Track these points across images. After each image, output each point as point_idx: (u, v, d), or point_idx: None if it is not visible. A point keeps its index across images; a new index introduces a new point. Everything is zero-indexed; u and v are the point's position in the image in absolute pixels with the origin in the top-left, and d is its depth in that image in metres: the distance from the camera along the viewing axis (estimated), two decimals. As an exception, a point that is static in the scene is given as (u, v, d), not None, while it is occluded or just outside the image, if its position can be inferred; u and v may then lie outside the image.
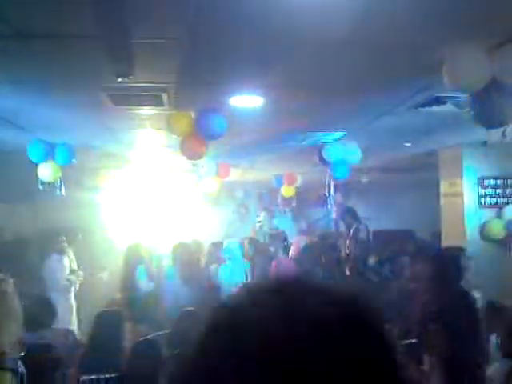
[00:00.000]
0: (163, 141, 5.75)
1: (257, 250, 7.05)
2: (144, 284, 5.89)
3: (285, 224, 10.13)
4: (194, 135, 4.38)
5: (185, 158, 4.66)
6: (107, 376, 3.57)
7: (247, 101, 4.26)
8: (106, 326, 3.92)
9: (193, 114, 4.39)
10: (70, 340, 4.20)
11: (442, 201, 6.57)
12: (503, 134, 3.17)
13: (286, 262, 6.65)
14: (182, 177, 8.41)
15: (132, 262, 6.02)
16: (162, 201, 9.59)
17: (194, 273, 5.98)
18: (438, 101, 4.27)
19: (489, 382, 3.19)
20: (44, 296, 5.05)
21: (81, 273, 6.88)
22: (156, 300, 5.78)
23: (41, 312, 4.00)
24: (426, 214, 8.29)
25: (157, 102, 4.02)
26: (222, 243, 7.10)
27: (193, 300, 5.17)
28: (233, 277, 6.18)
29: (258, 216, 10.78)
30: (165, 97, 3.96)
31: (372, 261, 6.85)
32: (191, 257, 6.16)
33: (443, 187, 6.55)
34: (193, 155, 4.58)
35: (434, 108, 4.48)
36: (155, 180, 8.87)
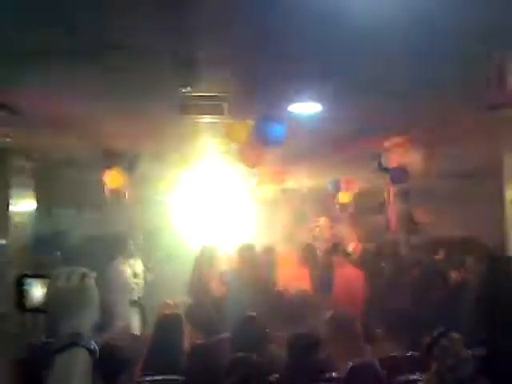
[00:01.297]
0: (223, 148, 5.86)
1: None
2: (214, 288, 5.92)
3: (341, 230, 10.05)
4: (252, 143, 4.44)
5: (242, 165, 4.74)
6: (168, 378, 3.66)
7: (306, 107, 4.29)
8: (167, 329, 4.03)
9: (251, 122, 4.45)
10: (132, 342, 4.34)
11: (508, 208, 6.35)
12: None
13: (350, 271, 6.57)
14: (240, 183, 8.53)
15: (205, 265, 6.04)
16: (223, 204, 9.72)
17: (258, 277, 5.97)
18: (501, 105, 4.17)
19: None
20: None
21: (146, 274, 7.05)
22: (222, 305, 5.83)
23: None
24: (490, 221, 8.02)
25: (218, 111, 4.12)
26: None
27: (255, 306, 5.18)
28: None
29: (316, 222, 10.74)
30: (225, 106, 4.06)
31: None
32: (256, 260, 6.13)
33: (508, 194, 6.32)
34: (250, 163, 4.66)
35: (498, 112, 4.38)
36: (216, 184, 8.99)
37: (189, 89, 3.19)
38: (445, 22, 2.56)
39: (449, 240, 8.56)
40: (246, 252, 6.05)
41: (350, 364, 3.27)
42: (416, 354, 4.23)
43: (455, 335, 2.99)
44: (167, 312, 4.69)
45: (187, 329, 4.60)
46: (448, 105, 4.36)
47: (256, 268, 5.96)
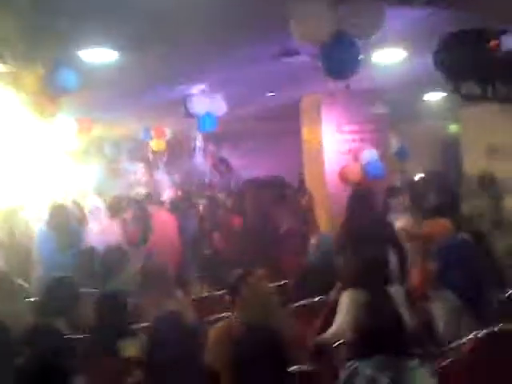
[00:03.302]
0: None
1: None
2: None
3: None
4: (44, 92, 4.09)
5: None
6: None
7: (101, 54, 4.04)
8: None
9: (41, 71, 4.07)
10: None
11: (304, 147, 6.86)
12: (347, 85, 3.33)
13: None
14: (41, 132, 7.84)
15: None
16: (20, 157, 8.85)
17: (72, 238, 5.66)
18: (294, 52, 4.38)
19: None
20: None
21: None
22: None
23: None
24: (293, 160, 8.61)
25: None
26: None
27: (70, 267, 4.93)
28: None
29: (132, 171, 10.53)
30: (7, 53, 3.63)
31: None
32: (69, 220, 5.78)
33: (304, 134, 6.81)
34: (44, 113, 4.29)
35: (292, 59, 4.60)
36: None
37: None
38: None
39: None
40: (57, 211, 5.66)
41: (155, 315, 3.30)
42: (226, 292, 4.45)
43: (261, 272, 3.13)
44: None
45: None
46: (244, 52, 4.46)
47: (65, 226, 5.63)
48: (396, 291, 3.26)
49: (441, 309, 3.03)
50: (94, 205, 6.11)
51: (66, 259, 5.19)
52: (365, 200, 4.40)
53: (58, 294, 3.62)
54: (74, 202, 6.71)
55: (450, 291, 3.00)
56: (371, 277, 3.17)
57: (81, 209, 6.64)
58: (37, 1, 2.90)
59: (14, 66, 4.00)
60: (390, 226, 4.33)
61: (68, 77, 4.03)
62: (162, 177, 10.53)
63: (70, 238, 5.46)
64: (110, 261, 4.95)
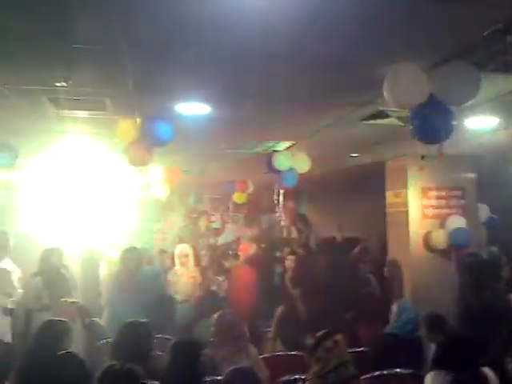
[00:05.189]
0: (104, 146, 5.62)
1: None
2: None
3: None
4: (139, 141, 4.31)
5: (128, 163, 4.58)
6: None
7: (194, 108, 4.23)
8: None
9: (138, 120, 4.32)
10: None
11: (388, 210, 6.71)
12: (440, 152, 3.26)
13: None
14: (130, 181, 8.23)
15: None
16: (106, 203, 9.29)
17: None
18: (382, 115, 4.37)
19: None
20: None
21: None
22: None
23: None
24: (373, 222, 8.44)
25: (99, 106, 3.94)
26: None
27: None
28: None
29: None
30: (108, 102, 3.89)
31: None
32: (140, 263, 5.98)
33: (389, 197, 6.68)
34: (137, 161, 4.52)
35: (379, 121, 4.59)
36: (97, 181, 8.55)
37: (63, 83, 3.00)
38: (336, 29, 2.59)
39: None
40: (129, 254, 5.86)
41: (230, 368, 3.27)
42: (300, 354, 4.34)
43: (339, 337, 3.06)
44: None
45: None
46: (334, 114, 4.51)
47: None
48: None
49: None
50: (183, 252, 6.30)
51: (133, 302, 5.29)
52: (480, 269, 4.14)
53: (134, 339, 3.69)
54: (162, 251, 6.93)
55: None
56: (460, 357, 2.99)
57: (167, 256, 6.88)
58: (139, 58, 3.09)
59: (114, 113, 4.27)
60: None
61: (164, 129, 4.24)
62: (240, 230, 10.67)
63: (139, 281, 5.61)
64: (202, 306, 5.09)
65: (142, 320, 3.97)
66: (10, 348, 4.33)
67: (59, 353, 3.44)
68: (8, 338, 5.22)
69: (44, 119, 4.54)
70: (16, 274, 5.67)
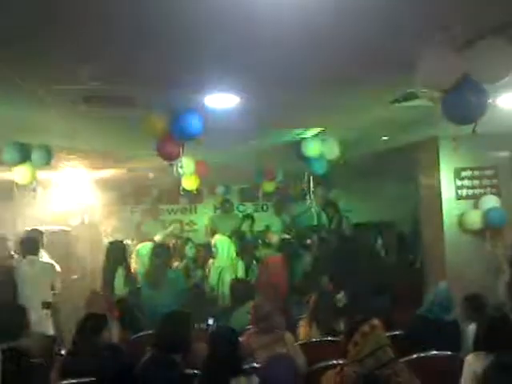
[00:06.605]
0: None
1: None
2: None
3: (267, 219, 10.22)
4: (170, 136, 4.34)
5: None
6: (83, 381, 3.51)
7: (223, 99, 4.24)
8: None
9: (167, 116, 4.34)
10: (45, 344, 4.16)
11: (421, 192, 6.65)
12: (473, 130, 3.19)
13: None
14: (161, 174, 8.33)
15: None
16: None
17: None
18: (413, 96, 4.31)
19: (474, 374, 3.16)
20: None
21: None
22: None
23: None
24: (407, 205, 8.38)
25: (129, 103, 3.99)
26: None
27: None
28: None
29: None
30: (137, 98, 3.93)
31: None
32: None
33: (421, 180, 6.61)
34: (169, 156, 4.56)
35: (410, 103, 4.52)
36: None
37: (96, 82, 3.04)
38: (365, 12, 2.56)
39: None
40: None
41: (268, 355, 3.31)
42: (336, 339, 4.36)
43: (376, 321, 3.06)
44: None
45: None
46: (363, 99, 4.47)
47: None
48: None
49: None
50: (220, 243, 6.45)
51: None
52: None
53: (174, 328, 3.75)
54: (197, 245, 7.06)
55: None
56: (501, 338, 2.96)
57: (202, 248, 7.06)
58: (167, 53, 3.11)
59: (144, 108, 4.30)
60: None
61: (194, 122, 4.26)
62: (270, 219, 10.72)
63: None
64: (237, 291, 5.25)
65: (183, 310, 4.04)
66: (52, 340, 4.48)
67: (100, 345, 3.53)
68: (50, 331, 5.44)
69: (77, 118, 4.62)
70: (57, 268, 5.95)
